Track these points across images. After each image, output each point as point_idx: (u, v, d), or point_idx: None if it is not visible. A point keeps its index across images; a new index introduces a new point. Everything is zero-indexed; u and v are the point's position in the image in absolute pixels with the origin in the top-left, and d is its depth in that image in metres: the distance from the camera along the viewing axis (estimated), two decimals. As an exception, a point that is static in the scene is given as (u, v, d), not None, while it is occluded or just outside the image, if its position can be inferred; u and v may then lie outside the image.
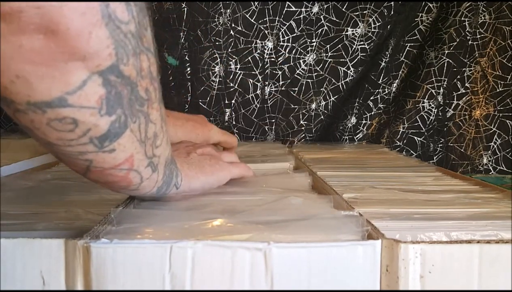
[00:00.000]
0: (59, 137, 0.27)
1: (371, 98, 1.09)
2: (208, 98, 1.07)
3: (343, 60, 1.07)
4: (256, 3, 1.04)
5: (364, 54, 1.06)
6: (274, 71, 1.07)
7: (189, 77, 1.07)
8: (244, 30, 1.05)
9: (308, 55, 1.07)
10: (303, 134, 1.10)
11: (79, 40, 0.23)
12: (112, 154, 0.30)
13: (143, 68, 0.29)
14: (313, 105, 1.09)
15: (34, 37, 0.22)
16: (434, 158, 1.09)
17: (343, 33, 1.06)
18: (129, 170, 0.32)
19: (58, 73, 0.24)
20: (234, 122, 1.09)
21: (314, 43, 1.07)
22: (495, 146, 1.08)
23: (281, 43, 1.06)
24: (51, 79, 0.24)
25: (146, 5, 0.28)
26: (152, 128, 0.32)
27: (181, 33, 1.05)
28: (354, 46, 1.06)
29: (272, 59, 1.07)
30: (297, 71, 1.08)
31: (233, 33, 1.05)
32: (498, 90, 1.07)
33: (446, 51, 1.05)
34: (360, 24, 1.05)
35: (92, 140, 0.28)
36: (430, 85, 1.07)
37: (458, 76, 1.07)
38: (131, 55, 0.27)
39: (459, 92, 1.08)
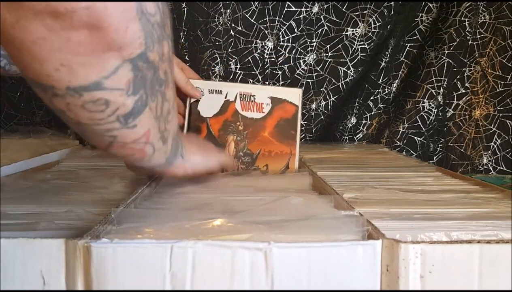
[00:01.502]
0: (91, 117, 0.31)
1: (371, 98, 1.09)
2: (208, 98, 1.07)
3: (343, 60, 1.07)
4: (256, 3, 1.04)
5: (364, 54, 1.06)
6: (274, 71, 1.07)
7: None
8: (244, 30, 1.05)
9: (308, 55, 1.07)
10: (303, 134, 1.10)
11: (118, 34, 0.27)
12: (134, 129, 0.34)
13: (164, 53, 0.32)
14: (313, 105, 1.09)
15: (81, 32, 0.26)
16: (434, 158, 1.09)
17: (343, 33, 1.06)
18: (146, 143, 0.36)
19: (97, 61, 0.28)
20: (234, 122, 1.09)
21: (314, 43, 1.07)
22: (495, 146, 1.08)
23: (281, 43, 1.07)
24: (90, 66, 0.28)
25: None
26: (167, 106, 0.36)
27: (181, 33, 1.05)
28: (354, 46, 1.06)
29: (272, 59, 1.07)
30: (297, 71, 1.08)
31: (233, 33, 1.05)
32: (498, 90, 1.07)
33: (446, 51, 1.05)
34: (360, 24, 1.05)
35: (118, 118, 0.32)
36: (430, 85, 1.07)
37: (458, 76, 1.07)
38: (156, 43, 0.30)
39: (459, 92, 1.08)
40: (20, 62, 0.27)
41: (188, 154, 0.46)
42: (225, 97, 0.63)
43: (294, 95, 0.64)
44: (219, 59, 1.06)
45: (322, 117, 1.10)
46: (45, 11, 0.24)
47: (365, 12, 1.05)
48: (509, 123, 1.07)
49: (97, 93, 0.29)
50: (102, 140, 0.34)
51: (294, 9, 1.05)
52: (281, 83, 1.08)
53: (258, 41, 1.06)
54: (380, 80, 1.08)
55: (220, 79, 1.07)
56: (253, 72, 1.07)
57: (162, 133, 0.37)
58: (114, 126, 0.32)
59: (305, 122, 1.09)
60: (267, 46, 1.06)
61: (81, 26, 0.25)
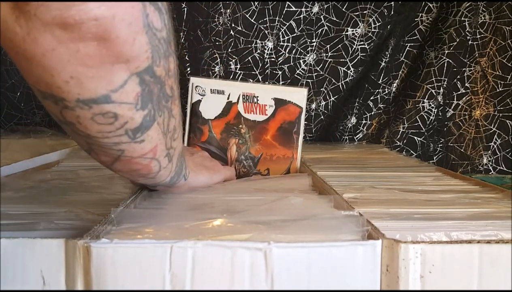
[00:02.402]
0: (100, 129, 0.31)
1: (371, 98, 1.09)
2: (208, 98, 1.07)
3: (343, 60, 1.07)
4: (256, 3, 1.04)
5: (364, 54, 1.07)
6: (274, 71, 1.07)
7: (189, 77, 1.07)
8: (244, 30, 1.05)
9: (308, 55, 1.07)
10: (303, 134, 1.10)
11: (125, 46, 0.27)
12: (142, 144, 0.34)
13: (170, 69, 0.33)
14: (313, 105, 1.09)
15: (89, 44, 0.26)
16: (434, 158, 1.10)
17: (343, 33, 1.06)
18: (152, 158, 0.37)
19: (105, 73, 0.28)
20: (234, 122, 1.09)
21: (314, 43, 1.07)
22: (495, 146, 1.08)
23: (281, 43, 1.07)
24: (99, 79, 0.28)
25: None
26: (173, 122, 0.37)
27: (181, 33, 1.05)
28: (354, 46, 1.06)
29: (272, 59, 1.07)
30: (297, 71, 1.08)
31: (233, 33, 1.05)
32: (498, 90, 1.07)
33: (446, 51, 1.05)
34: (360, 24, 1.05)
35: (127, 132, 0.32)
36: (430, 85, 1.07)
37: (458, 76, 1.07)
38: (162, 58, 0.31)
39: (459, 92, 1.08)
40: (31, 75, 0.28)
41: (191, 175, 0.47)
42: (228, 99, 0.62)
43: (299, 95, 0.63)
44: (219, 59, 1.06)
45: (322, 117, 1.10)
46: (54, 23, 0.25)
47: (365, 12, 1.05)
48: (509, 123, 1.07)
49: (106, 106, 0.29)
50: (109, 154, 0.34)
51: (294, 9, 1.05)
52: (281, 83, 1.08)
53: (258, 41, 1.06)
54: (380, 80, 1.08)
55: (220, 79, 1.07)
56: (253, 72, 1.07)
57: (168, 150, 0.38)
58: (122, 140, 0.33)
59: (305, 122, 1.08)
60: (267, 46, 1.06)
61: (90, 38, 0.26)
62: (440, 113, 1.08)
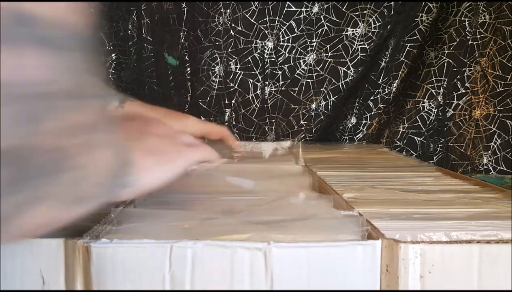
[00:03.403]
0: None
1: (371, 98, 1.09)
2: (208, 98, 1.07)
3: (343, 60, 1.07)
4: (256, 3, 1.04)
5: (364, 54, 1.06)
6: (274, 71, 1.07)
7: (189, 77, 1.07)
8: (244, 30, 1.05)
9: (308, 55, 1.07)
10: (303, 134, 1.10)
11: None
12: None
13: None
14: (313, 105, 1.09)
15: None
16: (434, 158, 1.09)
17: (343, 33, 1.06)
18: None
19: None
20: (234, 123, 1.09)
21: (314, 43, 1.07)
22: (495, 146, 1.08)
23: (281, 43, 1.06)
24: None
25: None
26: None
27: (181, 33, 1.05)
28: (354, 46, 1.06)
29: (272, 59, 1.07)
30: (297, 71, 1.08)
31: (233, 33, 1.05)
32: (498, 90, 1.07)
33: (446, 51, 1.05)
34: (360, 24, 1.05)
35: None
36: (430, 85, 1.07)
37: (458, 76, 1.07)
38: None
39: (459, 92, 1.08)
40: None
41: (138, 177, 0.31)
42: None
43: None
44: (219, 59, 1.06)
45: (322, 117, 1.10)
46: None
47: (365, 12, 1.05)
48: (509, 123, 1.07)
49: None
50: None
51: (294, 9, 1.05)
52: (281, 83, 1.08)
53: (258, 41, 1.06)
54: (380, 80, 1.08)
55: (220, 79, 1.07)
56: (253, 72, 1.07)
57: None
58: None
59: (305, 122, 1.09)
60: (267, 46, 1.06)
61: None
62: (440, 113, 1.08)
